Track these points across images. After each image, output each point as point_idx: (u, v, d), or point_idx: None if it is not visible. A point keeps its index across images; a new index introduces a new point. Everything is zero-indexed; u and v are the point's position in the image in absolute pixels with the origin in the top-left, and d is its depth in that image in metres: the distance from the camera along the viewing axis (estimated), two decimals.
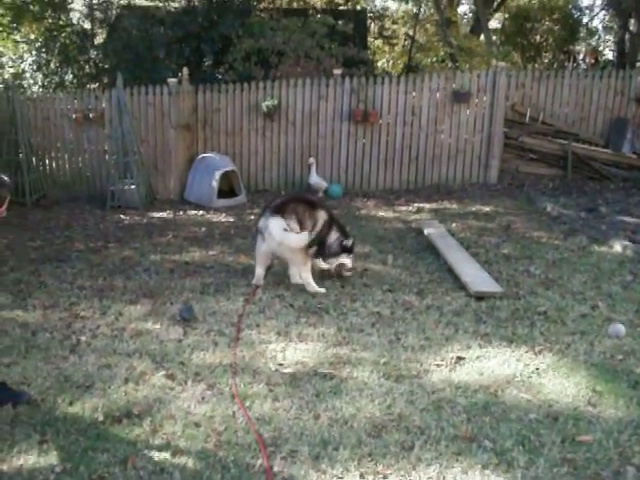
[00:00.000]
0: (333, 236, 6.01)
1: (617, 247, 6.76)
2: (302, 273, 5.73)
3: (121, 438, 3.43)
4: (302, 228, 5.70)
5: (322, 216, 5.95)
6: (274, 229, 5.58)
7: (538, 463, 3.10)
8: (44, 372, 4.24)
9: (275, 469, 3.10)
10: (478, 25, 19.00)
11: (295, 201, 5.97)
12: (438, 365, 4.20)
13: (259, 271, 5.92)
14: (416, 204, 9.59)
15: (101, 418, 3.62)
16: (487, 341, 4.57)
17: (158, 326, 5.05)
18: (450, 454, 3.20)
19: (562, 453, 3.18)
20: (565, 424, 3.45)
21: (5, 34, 16.72)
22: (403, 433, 3.39)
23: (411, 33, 19.83)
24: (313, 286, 5.71)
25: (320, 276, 6.00)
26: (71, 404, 3.81)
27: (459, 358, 4.29)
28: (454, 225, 8.07)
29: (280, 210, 5.71)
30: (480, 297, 5.40)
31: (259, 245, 5.86)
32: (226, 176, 10.20)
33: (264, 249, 5.80)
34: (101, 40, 16.11)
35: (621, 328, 4.62)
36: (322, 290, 5.69)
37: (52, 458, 3.26)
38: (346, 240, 6.05)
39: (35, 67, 16.05)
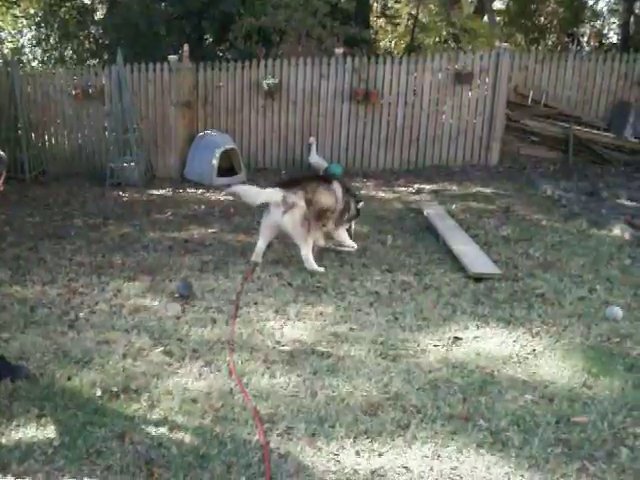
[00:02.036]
0: (352, 204, 6.21)
1: (616, 231, 6.76)
2: (302, 250, 5.74)
3: (119, 413, 3.44)
4: (310, 206, 5.74)
5: (338, 188, 6.06)
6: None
7: (532, 443, 3.12)
8: (42, 347, 4.26)
9: (271, 445, 3.12)
10: (482, 5, 18.83)
11: (306, 179, 6.07)
12: (435, 345, 4.22)
13: (260, 245, 5.93)
14: (416, 185, 9.58)
15: (99, 393, 3.64)
16: (485, 322, 4.57)
17: (156, 303, 5.06)
18: (445, 433, 3.22)
19: (556, 433, 3.20)
20: (560, 405, 3.46)
21: (4, 8, 16.60)
22: (399, 412, 3.41)
23: (414, 12, 19.65)
24: (312, 264, 5.72)
25: (319, 256, 5.99)
26: (69, 379, 3.83)
27: (456, 338, 4.30)
28: (454, 206, 8.06)
29: (287, 184, 5.85)
30: (479, 278, 5.41)
31: (264, 218, 5.90)
32: (226, 154, 10.17)
33: (269, 221, 5.82)
34: (101, 15, 16.00)
35: (618, 311, 4.63)
36: (321, 269, 5.70)
37: (50, 432, 3.28)
38: (359, 203, 6.34)
39: (34, 42, 15.98)
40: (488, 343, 4.24)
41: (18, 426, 3.33)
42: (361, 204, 6.41)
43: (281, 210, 5.64)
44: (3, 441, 3.21)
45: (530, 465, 2.96)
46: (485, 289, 5.23)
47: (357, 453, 3.06)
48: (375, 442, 3.14)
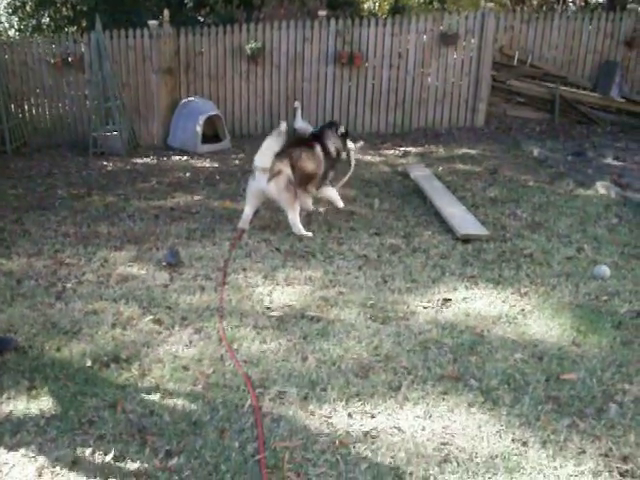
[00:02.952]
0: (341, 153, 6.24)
1: (603, 190, 6.77)
2: (289, 214, 5.71)
3: (110, 382, 3.43)
4: (294, 172, 5.69)
5: (319, 150, 5.98)
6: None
7: (523, 401, 3.15)
8: (30, 319, 4.22)
9: (264, 410, 3.13)
10: None
11: (291, 145, 5.96)
12: (425, 307, 4.23)
13: (247, 212, 5.89)
14: (402, 148, 9.53)
15: (89, 363, 3.62)
16: (473, 283, 4.59)
17: (144, 272, 5.03)
18: (437, 393, 3.24)
19: (547, 391, 3.23)
20: (550, 363, 3.49)
21: None
22: (390, 373, 3.42)
23: None
24: (300, 228, 5.69)
25: (307, 220, 5.97)
26: (59, 350, 3.80)
27: (446, 300, 4.31)
28: (441, 169, 8.04)
29: None
30: (467, 240, 5.41)
31: (250, 184, 5.84)
32: (210, 121, 10.06)
33: (254, 187, 5.77)
34: None
35: (606, 270, 4.65)
36: (309, 234, 5.67)
37: (42, 404, 3.26)
38: (339, 128, 6.27)
39: (10, 10, 15.60)
40: (477, 303, 4.25)
41: (9, 399, 3.32)
42: (360, 143, 6.34)
43: (266, 177, 5.59)
44: None
45: (521, 423, 2.99)
46: (473, 250, 5.24)
47: (349, 415, 3.08)
48: (367, 404, 3.16)
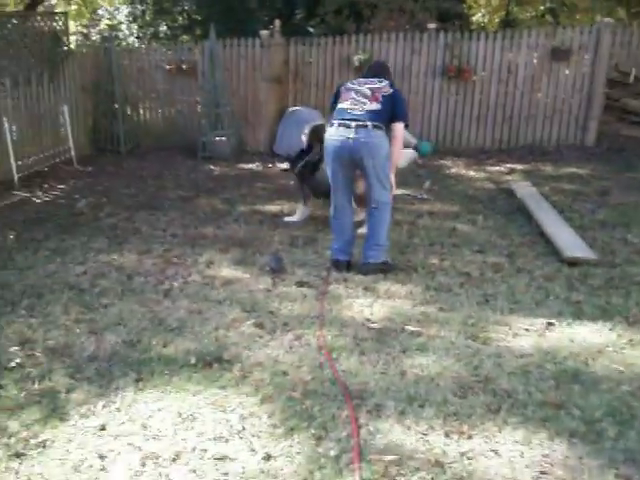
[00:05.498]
0: None
1: None
2: None
3: (212, 381, 3.55)
4: None
5: None
6: None
7: (628, 436, 3.01)
8: (139, 314, 4.43)
9: (361, 421, 3.14)
10: None
11: None
12: (527, 330, 4.12)
13: None
14: (508, 165, 9.34)
15: (193, 361, 3.76)
16: (579, 308, 4.43)
17: (248, 275, 5.16)
18: (537, 419, 3.16)
19: None
20: None
21: None
22: (489, 395, 3.36)
23: None
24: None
25: (409, 234, 5.92)
26: (165, 346, 3.97)
27: (549, 324, 4.19)
28: (547, 188, 7.81)
29: None
30: (573, 263, 5.23)
31: None
32: (316, 130, 10.18)
33: None
34: None
35: None
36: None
37: (147, 396, 3.42)
38: None
39: (131, 19, 16.39)
40: (582, 330, 4.11)
41: (117, 389, 3.49)
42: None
43: None
44: (102, 402, 3.37)
45: (626, 458, 2.86)
46: (579, 274, 5.06)
47: (446, 434, 3.04)
48: (465, 424, 3.11)
